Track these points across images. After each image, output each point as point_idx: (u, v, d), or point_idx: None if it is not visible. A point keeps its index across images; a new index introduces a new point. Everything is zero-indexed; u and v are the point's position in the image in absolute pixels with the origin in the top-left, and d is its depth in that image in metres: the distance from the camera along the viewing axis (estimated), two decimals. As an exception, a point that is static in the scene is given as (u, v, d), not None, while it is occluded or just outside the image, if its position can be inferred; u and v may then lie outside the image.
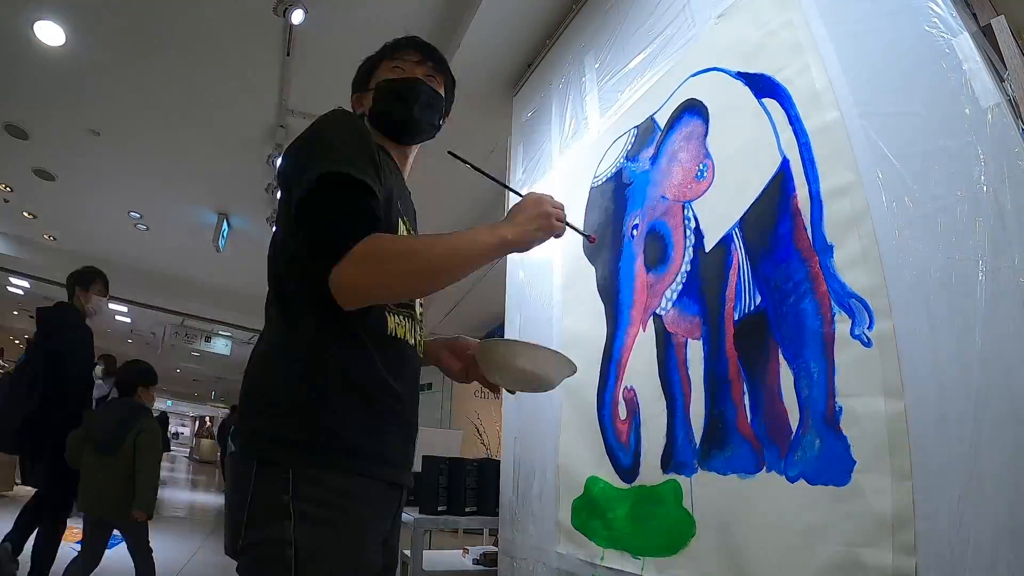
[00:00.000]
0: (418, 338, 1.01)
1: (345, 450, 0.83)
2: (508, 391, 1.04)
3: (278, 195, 0.97)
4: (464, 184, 3.74)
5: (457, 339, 1.12)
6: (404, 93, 1.06)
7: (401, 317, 0.96)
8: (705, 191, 1.30)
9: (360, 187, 0.84)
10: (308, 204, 0.85)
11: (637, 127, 1.61)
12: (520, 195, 1.04)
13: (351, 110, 1.11)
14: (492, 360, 0.97)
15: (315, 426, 0.83)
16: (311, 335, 0.86)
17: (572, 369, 0.99)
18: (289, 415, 0.83)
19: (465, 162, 1.06)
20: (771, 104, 1.16)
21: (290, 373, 0.85)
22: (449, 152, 1.08)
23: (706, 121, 1.33)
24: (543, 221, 0.96)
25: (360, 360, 0.87)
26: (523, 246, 0.95)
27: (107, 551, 3.89)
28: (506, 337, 0.98)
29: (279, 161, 0.93)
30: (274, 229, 0.98)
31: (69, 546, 3.80)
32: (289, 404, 0.84)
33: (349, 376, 0.86)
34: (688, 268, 1.32)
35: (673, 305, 1.35)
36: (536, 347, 1.00)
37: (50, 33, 2.92)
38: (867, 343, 0.90)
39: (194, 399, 22.38)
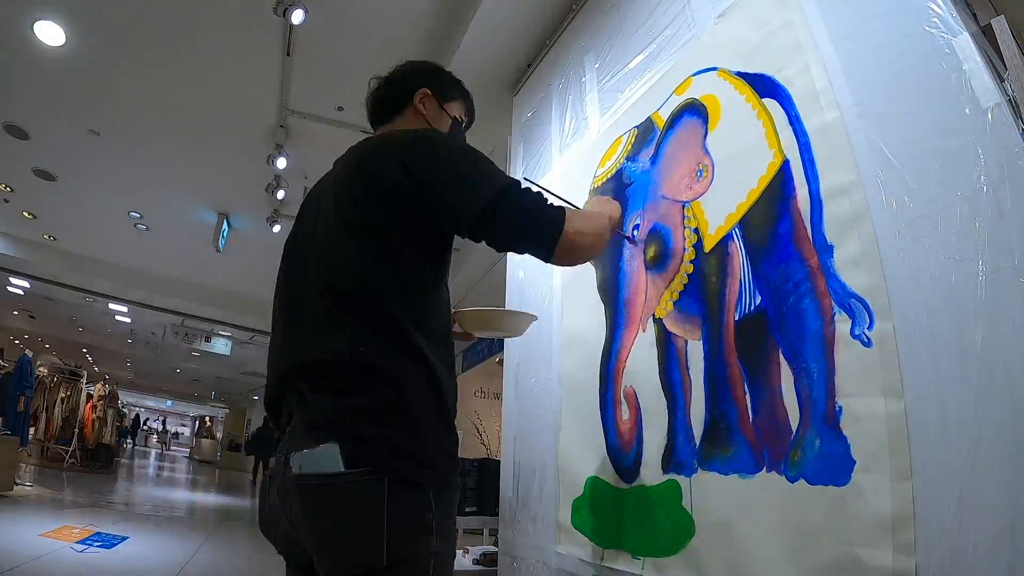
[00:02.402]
0: None
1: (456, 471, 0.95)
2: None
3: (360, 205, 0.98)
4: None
5: None
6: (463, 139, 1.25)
7: None
8: (705, 191, 1.30)
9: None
10: (507, 199, 0.94)
11: (637, 127, 1.61)
12: (575, 206, 1.26)
13: (406, 96, 1.20)
14: (473, 323, 1.21)
15: (443, 449, 0.92)
16: (421, 355, 0.91)
17: (532, 318, 1.30)
18: (422, 437, 0.88)
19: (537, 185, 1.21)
20: (771, 104, 1.16)
21: (420, 393, 0.90)
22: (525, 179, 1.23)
23: (706, 121, 1.33)
24: (618, 210, 1.30)
25: (450, 381, 0.97)
26: (615, 222, 1.24)
27: (107, 551, 3.89)
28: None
29: (391, 170, 0.95)
30: (346, 242, 0.96)
31: (69, 546, 3.81)
32: (423, 425, 0.89)
33: (448, 398, 0.96)
34: (688, 268, 1.32)
35: (674, 305, 1.35)
36: (503, 311, 1.31)
37: (50, 33, 2.93)
38: (867, 343, 0.90)
39: (194, 399, 22.40)
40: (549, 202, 0.98)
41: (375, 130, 1.22)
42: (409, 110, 1.19)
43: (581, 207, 1.27)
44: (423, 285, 0.97)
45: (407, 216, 0.94)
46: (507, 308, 1.26)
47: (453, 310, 1.14)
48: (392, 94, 1.20)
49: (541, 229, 0.95)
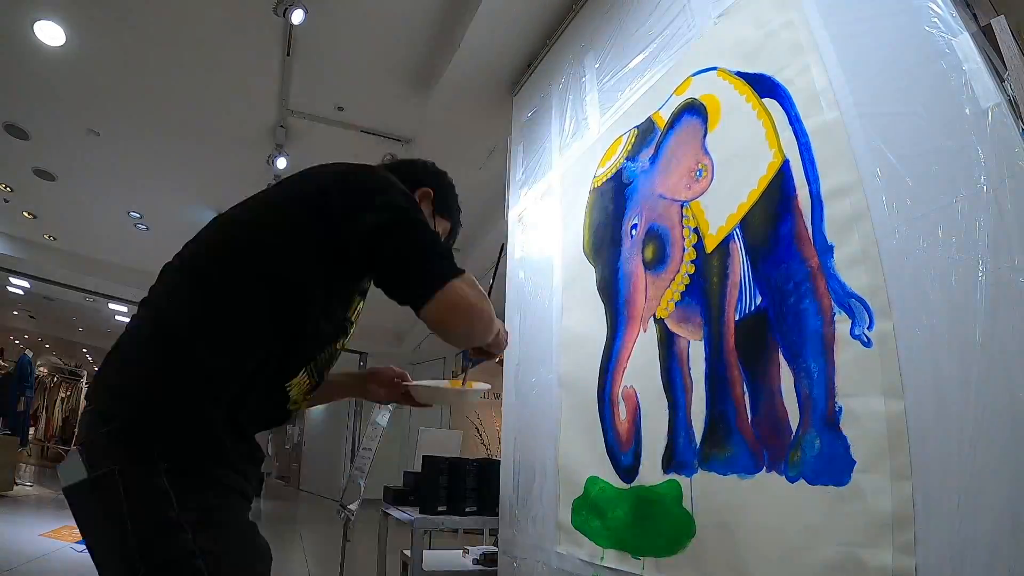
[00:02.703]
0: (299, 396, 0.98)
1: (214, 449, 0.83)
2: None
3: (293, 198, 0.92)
4: (457, 184, 3.73)
5: (375, 371, 1.22)
6: None
7: (309, 377, 0.95)
8: (705, 191, 1.30)
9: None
10: (406, 228, 0.87)
11: (637, 127, 1.61)
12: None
13: (410, 183, 1.09)
14: (423, 396, 1.21)
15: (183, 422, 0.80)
16: (255, 349, 0.83)
17: (481, 394, 1.24)
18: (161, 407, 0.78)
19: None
20: (771, 104, 1.16)
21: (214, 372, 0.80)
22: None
23: (705, 121, 1.33)
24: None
25: (264, 398, 0.88)
26: (497, 346, 1.04)
27: (107, 551, 3.90)
28: (427, 382, 1.27)
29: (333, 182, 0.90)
30: (253, 221, 0.90)
31: (69, 546, 3.81)
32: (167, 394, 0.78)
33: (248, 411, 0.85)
34: (690, 269, 1.32)
35: (675, 306, 1.35)
36: (451, 390, 1.29)
37: (50, 33, 2.92)
38: (867, 343, 0.90)
39: (194, 399, 22.35)
40: (452, 258, 0.89)
41: None
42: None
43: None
44: (298, 306, 0.87)
45: (311, 220, 0.87)
46: (457, 386, 1.26)
47: (404, 383, 1.18)
48: (400, 171, 1.12)
49: (426, 272, 0.85)
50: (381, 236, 0.85)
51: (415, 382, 1.21)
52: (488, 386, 1.25)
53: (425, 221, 0.91)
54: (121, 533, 0.71)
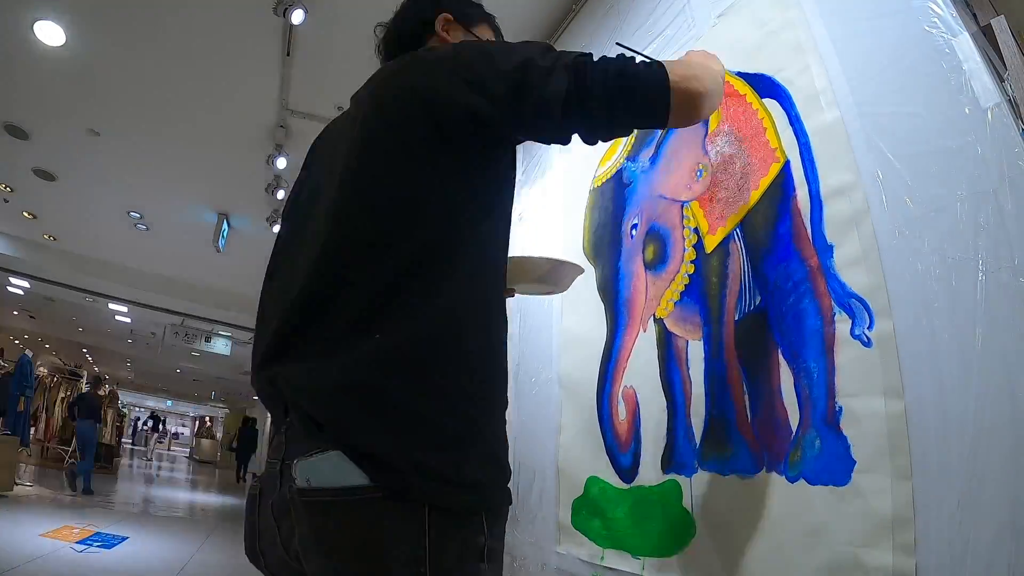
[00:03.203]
0: None
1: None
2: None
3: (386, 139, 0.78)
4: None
5: None
6: None
7: None
8: (705, 191, 1.30)
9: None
10: (587, 66, 0.73)
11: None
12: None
13: (425, 27, 0.99)
14: (515, 273, 1.04)
15: (493, 461, 0.77)
16: (480, 327, 0.74)
17: (580, 271, 1.10)
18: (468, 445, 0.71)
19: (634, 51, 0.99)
20: (771, 104, 1.16)
21: (460, 385, 0.71)
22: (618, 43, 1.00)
23: (706, 121, 1.33)
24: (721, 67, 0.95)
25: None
26: (720, 74, 0.91)
27: (107, 551, 3.89)
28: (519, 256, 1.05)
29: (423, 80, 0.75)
30: (370, 177, 0.76)
31: (69, 546, 3.81)
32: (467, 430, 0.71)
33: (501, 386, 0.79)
34: (689, 269, 1.32)
35: (675, 306, 1.35)
36: (547, 260, 1.10)
37: (50, 33, 2.92)
38: (867, 343, 0.90)
39: (194, 399, 22.40)
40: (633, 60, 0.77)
41: None
42: (432, 41, 0.98)
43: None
44: (484, 235, 0.79)
45: (477, 133, 0.75)
46: (550, 257, 1.09)
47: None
48: (407, 30, 1.00)
49: (644, 88, 0.73)
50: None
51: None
52: (582, 269, 1.09)
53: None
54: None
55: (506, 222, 0.84)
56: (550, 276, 1.13)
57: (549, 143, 0.80)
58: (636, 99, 0.74)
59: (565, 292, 1.84)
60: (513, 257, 1.01)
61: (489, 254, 0.79)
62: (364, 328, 0.69)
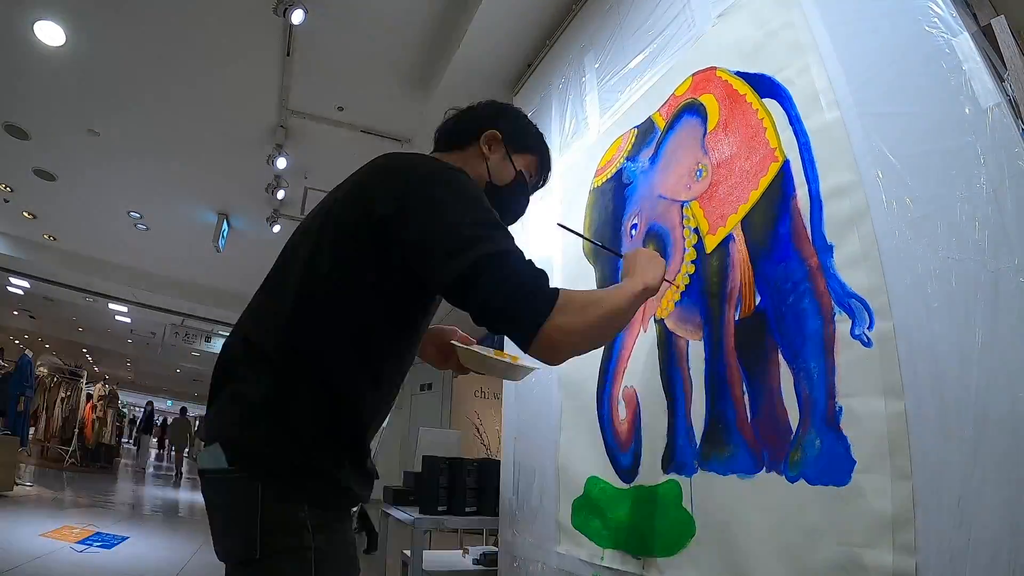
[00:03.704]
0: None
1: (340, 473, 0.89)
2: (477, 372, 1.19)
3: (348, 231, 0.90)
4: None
5: (441, 330, 1.17)
6: (522, 209, 1.14)
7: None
8: (705, 191, 1.30)
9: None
10: (490, 268, 0.80)
11: (637, 127, 1.61)
12: (619, 254, 1.17)
13: (472, 133, 1.07)
14: (470, 361, 1.11)
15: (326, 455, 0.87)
16: (347, 378, 0.88)
17: (531, 372, 1.13)
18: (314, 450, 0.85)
19: (570, 230, 1.17)
20: (771, 104, 1.16)
21: (320, 408, 0.86)
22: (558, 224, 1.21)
23: (705, 121, 1.33)
24: (661, 270, 1.05)
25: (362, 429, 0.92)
26: (655, 290, 1.01)
27: (107, 551, 3.89)
28: (477, 348, 1.13)
29: (385, 203, 0.85)
30: (323, 264, 0.88)
31: (69, 546, 3.81)
32: (314, 438, 0.85)
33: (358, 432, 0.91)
34: (690, 269, 1.32)
35: (675, 305, 1.35)
36: (501, 362, 1.13)
37: (50, 33, 2.93)
38: (867, 343, 0.90)
39: (194, 399, 22.38)
40: (545, 284, 0.82)
41: None
42: (472, 148, 1.06)
43: (622, 256, 1.12)
44: (382, 334, 0.90)
45: (383, 249, 0.85)
46: (506, 357, 1.18)
47: (452, 342, 1.10)
48: (459, 127, 1.09)
49: (519, 315, 0.79)
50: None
51: (464, 345, 1.11)
52: (538, 367, 1.10)
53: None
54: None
55: (411, 346, 0.97)
56: (506, 373, 1.21)
57: (437, 292, 0.89)
58: (506, 320, 0.80)
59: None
60: (475, 352, 1.10)
61: (387, 365, 0.93)
62: (268, 369, 0.86)
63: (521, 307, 0.79)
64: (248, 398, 0.85)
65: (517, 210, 1.12)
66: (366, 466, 0.93)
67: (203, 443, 0.91)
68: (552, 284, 0.83)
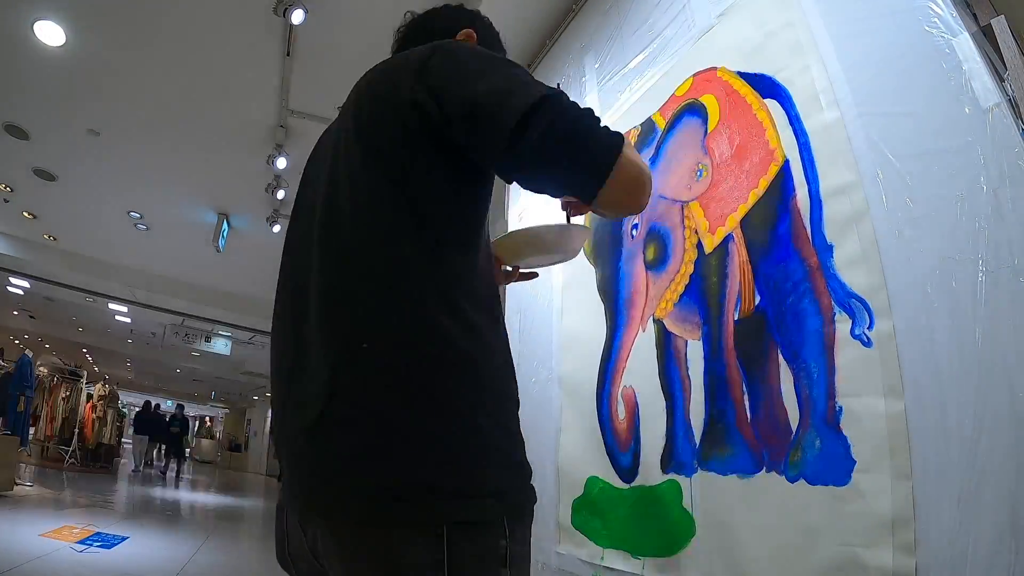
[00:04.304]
0: None
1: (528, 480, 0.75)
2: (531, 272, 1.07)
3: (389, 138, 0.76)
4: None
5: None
6: None
7: None
8: (705, 191, 1.30)
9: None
10: (548, 110, 0.69)
11: (637, 127, 1.61)
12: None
13: (449, 33, 0.96)
14: (510, 250, 1.00)
15: (508, 464, 0.72)
16: (478, 325, 0.72)
17: (588, 233, 1.01)
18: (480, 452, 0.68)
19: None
20: (771, 104, 1.16)
21: (467, 389, 0.69)
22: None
23: (705, 121, 1.33)
24: None
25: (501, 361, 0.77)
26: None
27: (107, 551, 3.89)
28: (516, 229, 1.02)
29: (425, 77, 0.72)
30: (352, 188, 0.76)
31: (69, 546, 3.81)
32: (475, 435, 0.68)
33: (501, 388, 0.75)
34: (689, 269, 1.32)
35: (674, 305, 1.35)
36: (551, 227, 1.02)
37: (50, 33, 2.92)
38: (867, 343, 0.90)
39: (194, 399, 22.38)
40: (600, 123, 0.72)
41: None
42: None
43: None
44: (461, 239, 0.76)
45: (430, 144, 0.74)
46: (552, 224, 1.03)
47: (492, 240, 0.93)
48: (437, 25, 1.00)
49: (593, 152, 0.69)
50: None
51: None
52: (589, 230, 0.98)
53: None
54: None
55: (479, 227, 0.81)
56: (559, 244, 1.06)
57: (490, 164, 0.76)
58: (580, 158, 0.70)
59: (565, 292, 1.84)
60: (514, 232, 0.98)
61: (470, 251, 0.77)
62: (356, 341, 0.70)
63: (594, 141, 0.70)
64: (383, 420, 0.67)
65: None
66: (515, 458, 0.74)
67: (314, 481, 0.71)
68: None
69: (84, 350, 14.08)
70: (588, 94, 1.94)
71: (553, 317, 1.88)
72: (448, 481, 0.66)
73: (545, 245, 1.05)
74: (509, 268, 1.05)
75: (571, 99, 0.72)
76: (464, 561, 0.64)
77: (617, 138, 0.71)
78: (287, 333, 0.83)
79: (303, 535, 0.73)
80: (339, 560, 0.68)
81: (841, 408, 0.92)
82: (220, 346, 10.09)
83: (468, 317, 0.72)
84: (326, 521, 0.69)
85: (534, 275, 1.09)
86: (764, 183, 1.14)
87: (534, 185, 0.75)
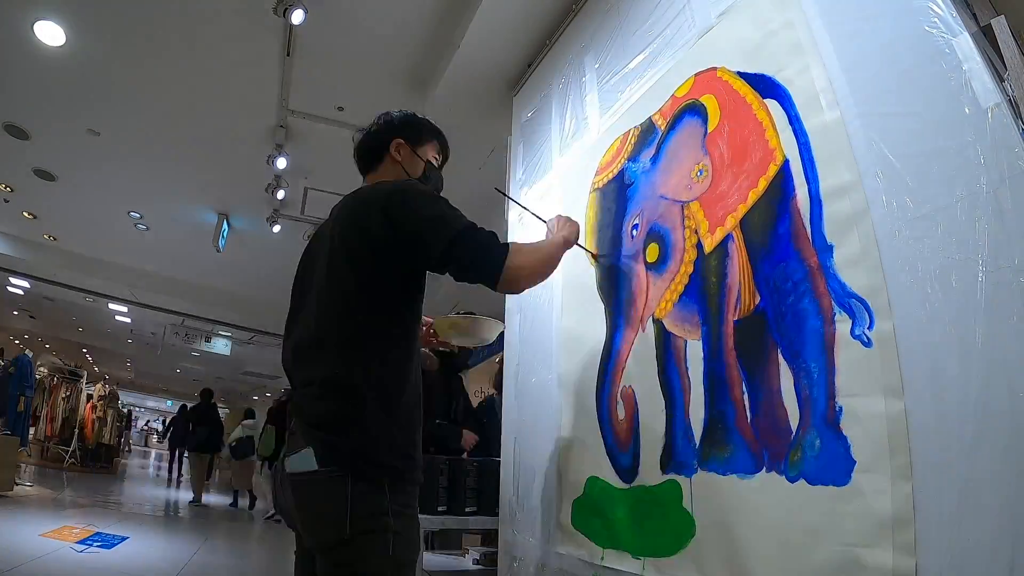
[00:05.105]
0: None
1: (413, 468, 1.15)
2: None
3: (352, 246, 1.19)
4: (457, 184, 3.74)
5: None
6: (440, 184, 1.44)
7: None
8: (705, 191, 1.30)
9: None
10: (462, 241, 1.13)
11: (638, 127, 1.61)
12: (543, 219, 1.55)
13: (383, 148, 1.38)
14: (441, 328, 1.48)
15: (395, 450, 1.11)
16: (397, 371, 1.15)
17: (499, 326, 1.52)
18: (380, 442, 1.09)
19: (505, 195, 1.56)
20: (771, 104, 1.16)
21: (381, 405, 1.11)
22: (496, 188, 1.69)
23: (705, 121, 1.33)
24: (576, 229, 1.49)
25: (416, 392, 1.19)
26: (571, 244, 1.44)
27: (106, 551, 3.89)
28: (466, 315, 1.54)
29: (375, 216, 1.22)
30: (334, 276, 1.17)
31: (69, 546, 3.80)
32: (380, 432, 1.10)
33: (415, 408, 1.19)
34: (689, 269, 1.32)
35: (673, 305, 1.35)
36: (471, 318, 1.50)
37: (50, 33, 2.93)
38: (867, 343, 0.90)
39: (194, 399, 22.41)
40: (498, 242, 1.17)
41: (364, 177, 1.41)
42: (387, 159, 1.37)
43: (547, 221, 1.52)
44: (399, 318, 1.18)
45: (388, 255, 1.15)
46: (476, 316, 1.47)
47: (427, 318, 1.37)
48: (371, 147, 1.39)
49: (487, 265, 1.15)
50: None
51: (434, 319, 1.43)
52: (502, 325, 1.49)
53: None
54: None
55: (416, 319, 1.24)
56: (474, 331, 1.50)
57: (428, 268, 1.20)
58: (479, 271, 1.16)
59: (565, 292, 1.85)
60: (448, 316, 1.49)
61: (404, 342, 1.19)
62: (336, 375, 1.12)
63: (488, 258, 1.15)
64: (329, 413, 1.09)
65: (437, 188, 1.40)
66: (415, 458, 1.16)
67: (287, 452, 1.12)
68: (506, 242, 1.17)
69: (84, 350, 14.08)
70: (588, 94, 1.94)
71: (553, 317, 1.88)
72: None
73: (463, 330, 1.50)
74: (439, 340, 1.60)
75: (478, 227, 1.16)
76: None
77: (502, 255, 1.15)
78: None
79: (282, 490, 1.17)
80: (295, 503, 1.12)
81: (841, 408, 0.92)
82: (220, 346, 10.09)
83: (396, 367, 1.15)
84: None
85: (453, 350, 1.75)
86: (764, 183, 1.14)
87: (457, 278, 1.17)
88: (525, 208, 1.75)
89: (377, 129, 1.41)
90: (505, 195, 1.54)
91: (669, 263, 1.38)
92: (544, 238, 1.45)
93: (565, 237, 1.40)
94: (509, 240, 1.21)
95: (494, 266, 1.14)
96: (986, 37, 0.85)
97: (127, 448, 15.10)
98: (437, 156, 1.44)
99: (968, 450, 0.76)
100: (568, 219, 1.48)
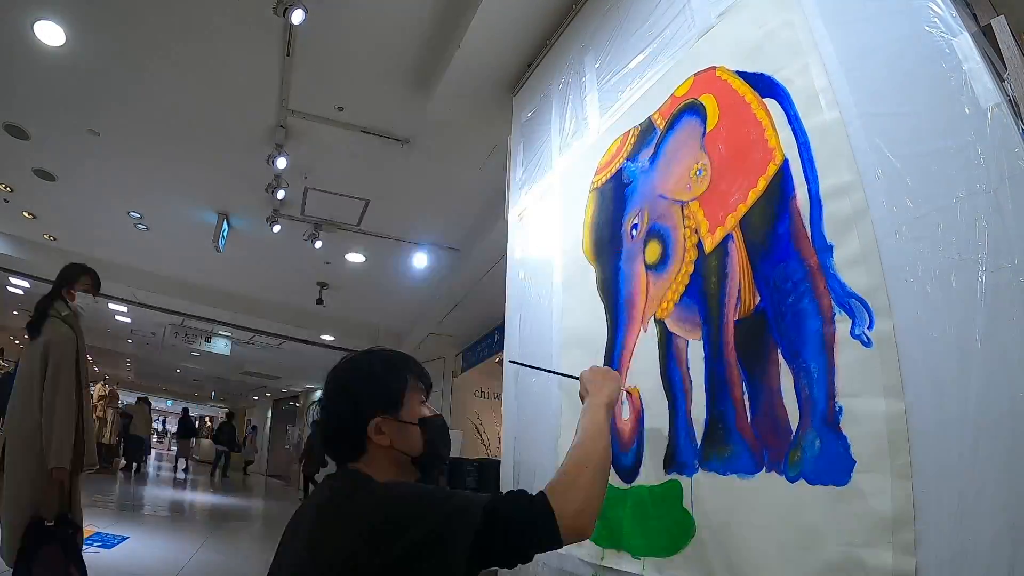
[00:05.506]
0: None
1: None
2: None
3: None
4: (457, 184, 3.75)
5: None
6: (446, 436, 1.14)
7: None
8: (705, 191, 1.30)
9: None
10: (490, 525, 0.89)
11: (637, 127, 1.61)
12: (576, 377, 1.31)
13: (361, 437, 1.03)
14: None
15: None
16: None
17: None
18: None
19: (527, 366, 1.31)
20: (771, 104, 1.16)
21: None
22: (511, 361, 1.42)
23: (705, 121, 1.33)
24: (617, 383, 1.26)
25: None
26: (615, 403, 1.21)
27: (106, 551, 3.89)
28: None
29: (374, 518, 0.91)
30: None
31: (69, 546, 3.80)
32: None
33: None
34: (689, 269, 1.32)
35: (675, 306, 1.35)
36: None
37: (50, 33, 2.93)
38: (867, 343, 0.90)
39: (194, 399, 22.40)
40: (528, 497, 0.95)
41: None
42: (371, 447, 1.03)
43: (578, 377, 1.28)
44: None
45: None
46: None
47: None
48: (346, 439, 1.05)
49: (539, 527, 0.92)
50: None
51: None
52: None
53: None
54: None
55: None
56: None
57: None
58: (534, 538, 0.93)
59: (565, 292, 1.85)
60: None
61: None
62: None
63: (536, 526, 0.92)
64: None
65: (445, 441, 1.12)
66: None
67: None
68: (551, 489, 0.96)
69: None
70: (588, 94, 1.94)
71: (553, 317, 1.88)
72: None
73: None
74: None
75: (497, 502, 0.93)
76: None
77: (545, 507, 0.93)
78: None
79: None
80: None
81: (841, 408, 0.92)
82: (220, 346, 10.09)
83: None
84: None
85: None
86: (763, 183, 1.14)
87: (514, 560, 0.95)
88: (550, 371, 1.61)
89: (346, 411, 1.05)
90: (524, 364, 1.37)
91: (669, 263, 1.38)
92: (582, 413, 1.18)
93: (608, 401, 1.16)
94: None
95: (547, 526, 0.92)
96: (986, 37, 0.85)
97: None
98: (423, 397, 1.12)
99: (968, 450, 0.76)
100: (605, 372, 1.26)
